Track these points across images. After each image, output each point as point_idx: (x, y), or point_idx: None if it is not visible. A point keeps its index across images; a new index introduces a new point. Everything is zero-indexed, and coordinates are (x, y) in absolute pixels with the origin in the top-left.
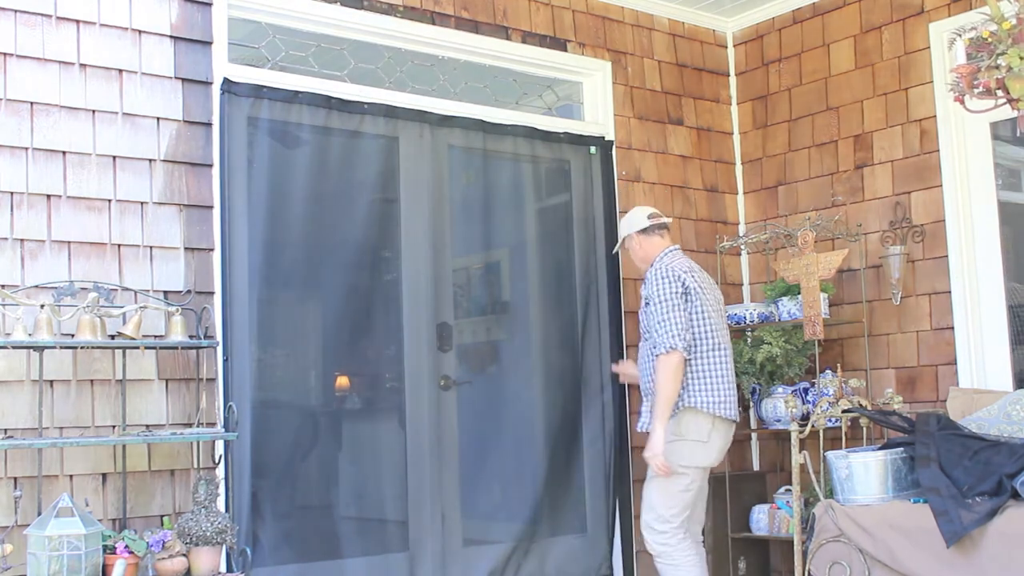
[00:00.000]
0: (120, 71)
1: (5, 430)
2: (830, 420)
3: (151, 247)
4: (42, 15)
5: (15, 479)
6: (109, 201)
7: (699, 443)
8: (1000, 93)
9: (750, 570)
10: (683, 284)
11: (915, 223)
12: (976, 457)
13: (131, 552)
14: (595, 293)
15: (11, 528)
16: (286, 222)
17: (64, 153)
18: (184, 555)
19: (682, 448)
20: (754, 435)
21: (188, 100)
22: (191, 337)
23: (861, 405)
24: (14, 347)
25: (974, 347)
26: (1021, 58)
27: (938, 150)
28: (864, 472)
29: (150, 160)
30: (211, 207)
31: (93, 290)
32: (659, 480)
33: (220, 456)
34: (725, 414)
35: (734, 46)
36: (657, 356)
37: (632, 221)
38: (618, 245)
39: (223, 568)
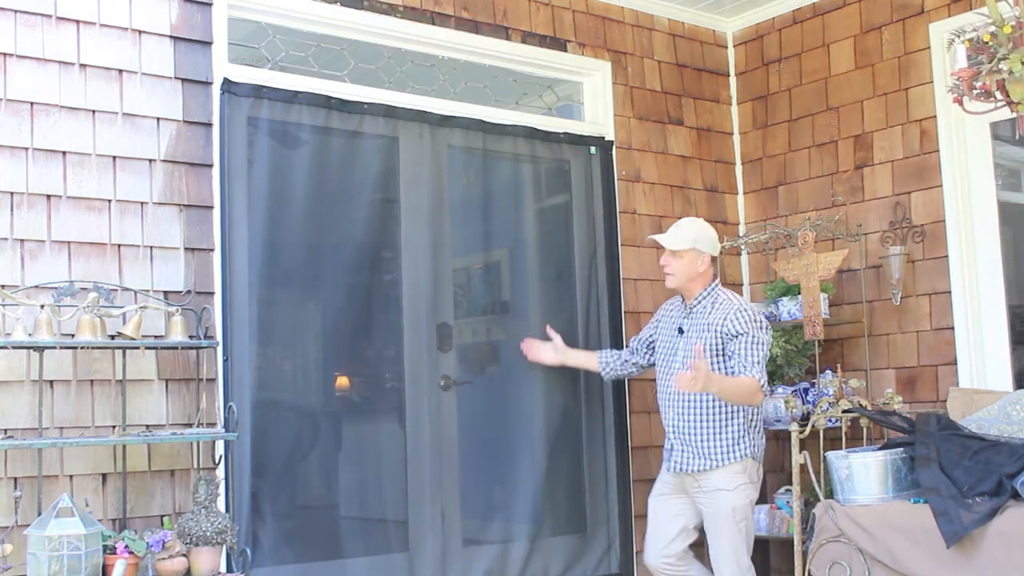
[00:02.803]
0: (120, 71)
1: (5, 430)
2: (830, 420)
3: (151, 247)
4: (42, 15)
5: (15, 479)
6: (109, 201)
7: (754, 485)
8: (999, 95)
9: None
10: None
11: (915, 223)
12: (976, 457)
13: (131, 552)
14: (595, 293)
15: (11, 528)
16: (286, 222)
17: (64, 153)
18: (184, 555)
19: (752, 492)
20: None
21: (188, 100)
22: (191, 337)
23: (861, 405)
24: (14, 347)
25: (974, 347)
26: (1023, 63)
27: (938, 150)
28: (864, 472)
29: (150, 160)
30: (211, 207)
31: (93, 290)
32: (728, 528)
33: (220, 456)
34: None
35: (734, 46)
36: (750, 375)
37: (713, 240)
38: (674, 242)
39: (223, 568)
